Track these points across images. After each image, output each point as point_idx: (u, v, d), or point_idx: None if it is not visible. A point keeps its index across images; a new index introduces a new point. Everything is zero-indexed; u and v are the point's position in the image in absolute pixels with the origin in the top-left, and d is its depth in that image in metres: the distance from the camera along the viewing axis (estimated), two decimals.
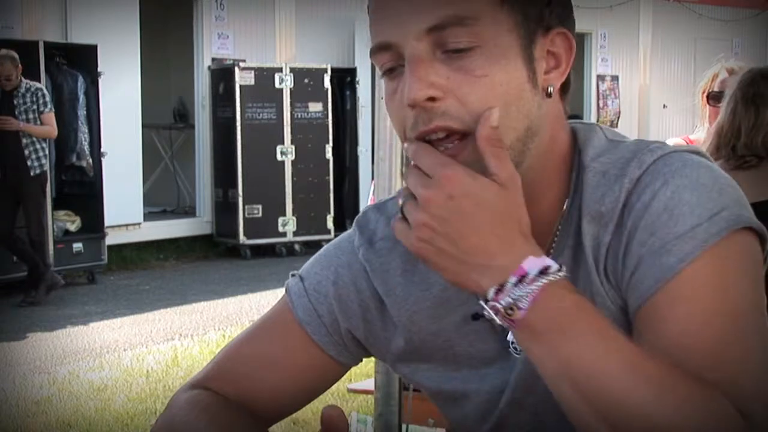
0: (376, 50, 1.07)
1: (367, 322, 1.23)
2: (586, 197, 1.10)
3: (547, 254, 1.10)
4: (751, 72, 2.54)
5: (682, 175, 1.05)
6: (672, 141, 3.49)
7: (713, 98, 3.31)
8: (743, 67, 3.31)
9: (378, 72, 1.13)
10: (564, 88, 1.14)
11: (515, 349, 1.15)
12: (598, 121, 14.37)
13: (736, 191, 1.06)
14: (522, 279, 0.97)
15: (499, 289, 0.97)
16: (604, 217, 1.08)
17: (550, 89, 1.08)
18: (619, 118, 14.34)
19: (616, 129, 1.20)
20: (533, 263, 0.98)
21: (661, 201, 1.04)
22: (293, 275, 1.28)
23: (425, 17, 1.02)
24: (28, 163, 7.68)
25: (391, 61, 1.06)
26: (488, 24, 1.03)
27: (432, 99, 1.03)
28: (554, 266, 0.98)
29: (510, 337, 1.15)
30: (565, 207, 1.12)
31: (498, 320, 0.99)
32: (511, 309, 0.97)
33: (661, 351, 0.98)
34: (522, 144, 1.06)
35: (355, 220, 1.27)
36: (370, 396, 3.63)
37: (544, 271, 0.97)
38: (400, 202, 1.02)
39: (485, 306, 0.99)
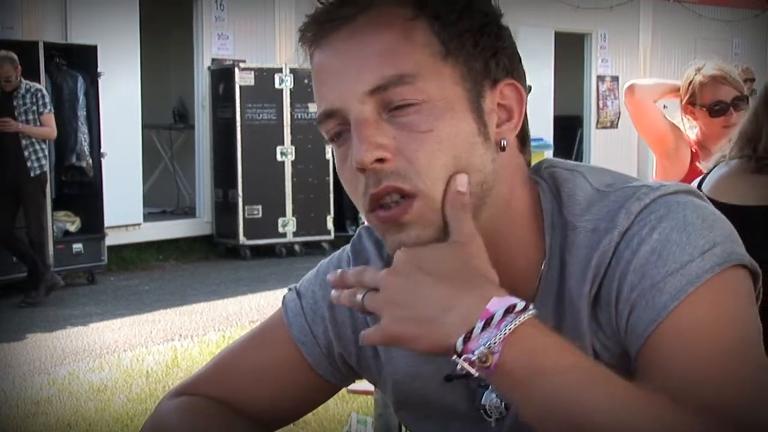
0: (322, 118, 1.05)
1: (360, 349, 1.22)
2: (575, 257, 1.06)
3: None
4: None
5: (668, 218, 1.02)
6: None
7: (715, 112, 3.26)
8: (726, 69, 3.29)
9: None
10: (523, 140, 1.11)
11: (487, 414, 1.13)
12: (598, 121, 14.39)
13: (727, 227, 1.04)
14: (489, 322, 0.93)
15: (467, 338, 0.93)
16: (591, 271, 1.04)
17: (504, 143, 1.06)
18: (619, 118, 14.33)
19: (601, 167, 1.15)
20: (498, 303, 0.94)
21: (648, 245, 1.01)
22: (290, 289, 1.27)
23: (366, 79, 1.01)
24: (28, 163, 7.68)
25: (337, 127, 1.04)
26: (431, 79, 1.01)
27: (380, 160, 1.01)
28: (520, 304, 0.94)
29: (484, 400, 1.13)
30: (543, 268, 1.08)
31: (474, 372, 0.94)
32: (486, 358, 0.93)
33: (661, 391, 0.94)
34: (477, 198, 1.03)
35: (351, 243, 1.25)
36: (369, 396, 3.63)
37: (510, 310, 0.93)
38: (359, 297, 1.00)
39: (459, 361, 0.94)
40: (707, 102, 3.27)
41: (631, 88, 3.50)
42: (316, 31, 1.05)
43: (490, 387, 1.12)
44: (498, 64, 1.06)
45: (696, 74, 3.31)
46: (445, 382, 1.14)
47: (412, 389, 1.18)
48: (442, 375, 1.14)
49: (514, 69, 1.08)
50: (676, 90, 3.42)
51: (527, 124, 1.11)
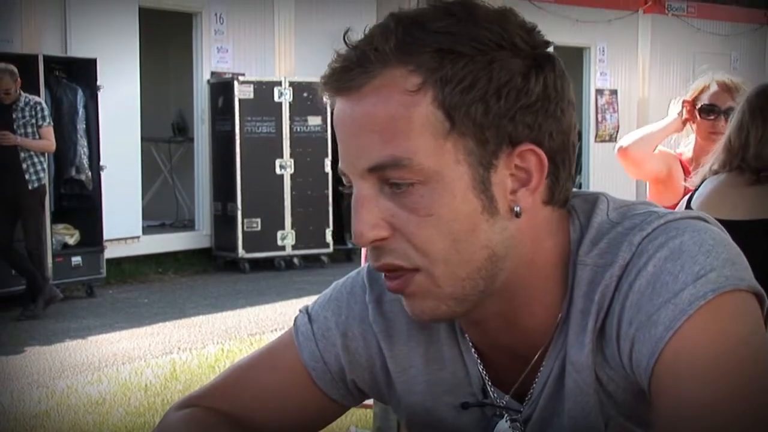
0: (341, 172, 1.06)
1: (373, 375, 1.22)
2: (581, 290, 1.04)
3: (540, 360, 1.07)
4: (759, 85, 2.56)
5: (665, 247, 0.99)
6: (661, 148, 3.49)
7: (705, 111, 3.31)
8: (735, 82, 3.32)
9: None
10: (552, 196, 1.05)
11: None
12: (597, 135, 14.40)
13: (729, 251, 0.99)
14: None
15: None
16: (595, 306, 1.02)
17: (517, 209, 1.01)
18: (617, 132, 14.35)
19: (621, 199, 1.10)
20: None
21: (644, 278, 0.98)
22: (302, 311, 1.26)
23: (366, 157, 1.00)
24: (26, 176, 7.68)
25: (351, 183, 1.05)
26: (429, 159, 0.98)
27: (379, 239, 1.01)
28: None
29: (497, 429, 1.12)
30: (563, 310, 1.06)
31: None
32: None
33: (667, 426, 0.93)
34: (486, 271, 1.02)
35: (367, 269, 1.22)
36: (369, 410, 3.63)
37: None
38: None
39: None
40: (704, 102, 3.31)
41: (624, 153, 3.45)
42: (331, 89, 1.04)
43: (504, 416, 1.12)
44: (517, 124, 1.00)
45: (711, 82, 3.35)
46: (461, 409, 1.14)
47: (427, 420, 1.18)
48: (458, 402, 1.14)
49: (539, 124, 1.01)
50: (665, 132, 3.45)
51: (556, 181, 1.04)
